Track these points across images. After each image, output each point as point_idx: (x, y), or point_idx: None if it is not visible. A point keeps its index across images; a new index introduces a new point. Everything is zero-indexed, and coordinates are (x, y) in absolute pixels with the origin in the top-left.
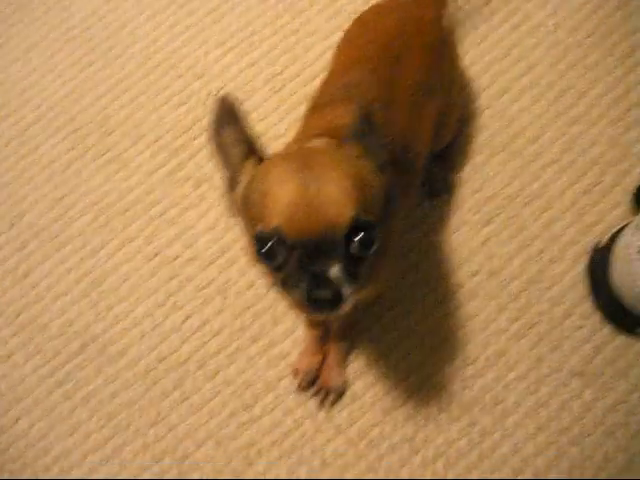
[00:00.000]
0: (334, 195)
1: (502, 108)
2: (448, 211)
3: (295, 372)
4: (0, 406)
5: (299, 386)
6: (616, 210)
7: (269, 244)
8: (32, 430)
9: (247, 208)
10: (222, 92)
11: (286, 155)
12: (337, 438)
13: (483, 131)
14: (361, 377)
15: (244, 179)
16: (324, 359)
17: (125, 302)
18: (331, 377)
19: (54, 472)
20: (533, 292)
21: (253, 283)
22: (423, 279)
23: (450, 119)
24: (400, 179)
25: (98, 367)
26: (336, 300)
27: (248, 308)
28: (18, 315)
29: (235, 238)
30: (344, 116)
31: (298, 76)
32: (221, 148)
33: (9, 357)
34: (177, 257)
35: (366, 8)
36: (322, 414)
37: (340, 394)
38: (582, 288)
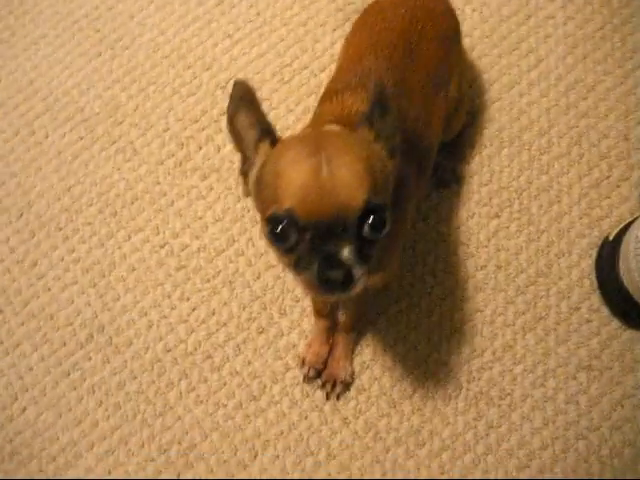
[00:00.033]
0: (347, 178)
1: (511, 101)
2: (456, 203)
3: (302, 363)
4: (7, 395)
5: (305, 377)
6: (625, 204)
7: (281, 225)
8: (39, 420)
9: (260, 190)
10: (233, 81)
11: (299, 138)
12: (343, 430)
13: (492, 124)
14: (367, 369)
15: (258, 161)
16: (331, 351)
17: (132, 293)
18: (338, 369)
19: (60, 461)
20: (541, 286)
21: (260, 275)
22: (430, 272)
23: (460, 110)
24: (413, 167)
25: (105, 357)
26: (347, 281)
27: (255, 300)
28: (26, 305)
29: (243, 229)
30: (358, 103)
31: (307, 67)
32: (237, 131)
33: (16, 347)
34: (185, 248)
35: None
36: (328, 406)
37: (346, 386)
38: (590, 282)
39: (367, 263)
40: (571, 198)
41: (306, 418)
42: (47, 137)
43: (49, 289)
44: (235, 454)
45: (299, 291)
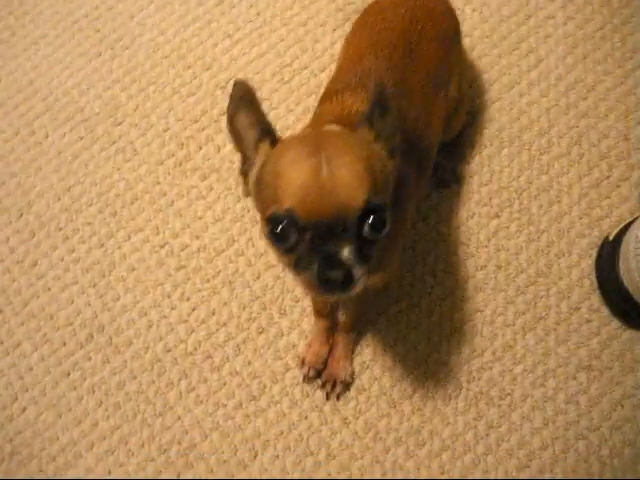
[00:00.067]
0: (347, 178)
1: (511, 101)
2: (456, 203)
3: (302, 363)
4: (7, 395)
5: (305, 377)
6: (625, 204)
7: (281, 225)
8: (39, 420)
9: (260, 190)
10: (233, 81)
11: (299, 138)
12: (343, 430)
13: (492, 124)
14: (367, 370)
15: (258, 161)
16: (331, 351)
17: (132, 293)
18: (338, 369)
19: (60, 461)
20: (541, 286)
21: (260, 275)
22: (430, 272)
23: (460, 110)
24: (413, 167)
25: (105, 357)
26: (347, 281)
27: (255, 300)
28: (26, 305)
29: (243, 230)
30: (357, 103)
31: (307, 67)
32: (237, 131)
33: (16, 346)
34: (184, 248)
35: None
36: (328, 406)
37: (346, 386)
38: (590, 282)
39: (367, 263)
40: (571, 198)
41: (306, 418)
42: (47, 137)
43: (49, 289)
44: (235, 454)
45: (299, 291)
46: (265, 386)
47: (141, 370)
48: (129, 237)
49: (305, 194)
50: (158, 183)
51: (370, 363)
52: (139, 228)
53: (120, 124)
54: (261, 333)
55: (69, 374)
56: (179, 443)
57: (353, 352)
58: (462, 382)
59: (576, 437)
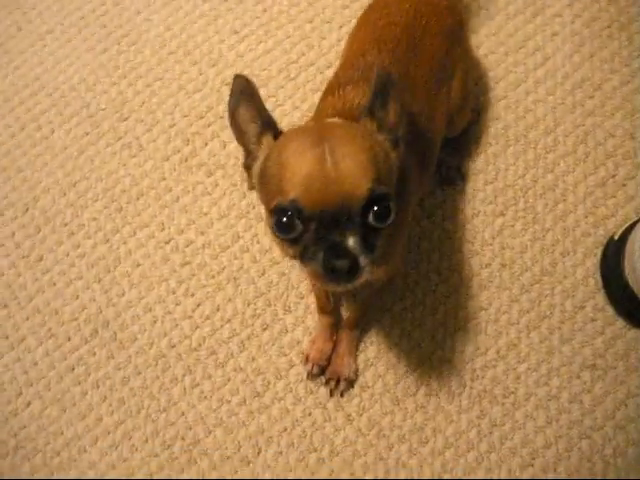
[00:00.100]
0: (350, 167)
1: (517, 99)
2: (461, 201)
3: (305, 360)
4: (12, 390)
5: (309, 374)
6: (630, 203)
7: (287, 216)
8: (43, 414)
9: (265, 182)
10: (234, 76)
11: (302, 129)
12: (346, 427)
13: (498, 122)
14: (371, 367)
15: (262, 154)
16: (335, 348)
17: (137, 288)
18: (342, 366)
19: (64, 456)
20: (545, 284)
21: (265, 271)
22: (435, 269)
23: (464, 107)
24: (415, 160)
25: (109, 353)
26: (353, 270)
27: (260, 296)
28: (31, 300)
29: (248, 226)
30: (359, 97)
31: (313, 64)
32: (238, 125)
33: (21, 341)
34: (190, 244)
35: None
36: (332, 403)
37: (350, 383)
38: (594, 281)
39: (372, 252)
40: (576, 197)
41: (310, 415)
42: (53, 132)
43: (54, 284)
44: (239, 450)
45: (304, 288)
46: (269, 382)
47: (145, 365)
48: (134, 233)
49: (309, 184)
50: (164, 179)
51: (374, 360)
52: (144, 224)
53: (126, 120)
54: (265, 329)
55: (74, 369)
56: (183, 439)
57: (357, 349)
58: (466, 380)
59: (580, 436)
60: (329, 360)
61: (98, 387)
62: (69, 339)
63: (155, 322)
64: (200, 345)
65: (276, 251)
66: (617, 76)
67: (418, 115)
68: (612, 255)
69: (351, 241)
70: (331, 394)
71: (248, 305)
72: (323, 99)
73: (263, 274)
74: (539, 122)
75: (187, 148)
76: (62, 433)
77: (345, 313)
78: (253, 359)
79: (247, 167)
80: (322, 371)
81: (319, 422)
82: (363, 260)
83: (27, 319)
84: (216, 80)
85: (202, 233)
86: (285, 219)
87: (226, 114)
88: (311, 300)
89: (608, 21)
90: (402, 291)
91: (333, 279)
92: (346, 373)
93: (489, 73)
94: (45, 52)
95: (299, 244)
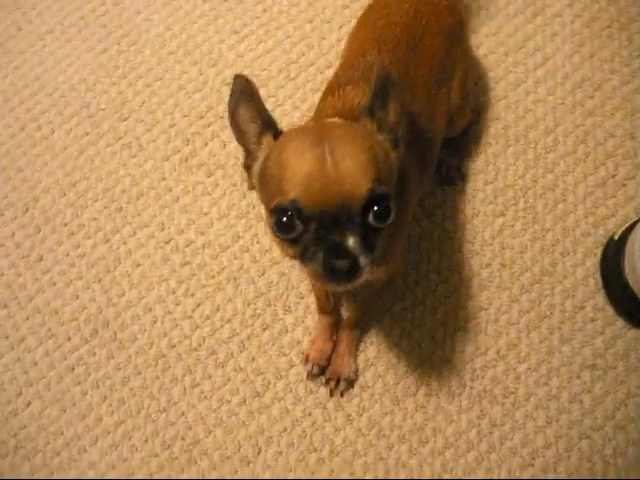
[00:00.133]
0: (350, 167)
1: (517, 99)
2: (461, 201)
3: (305, 360)
4: (12, 390)
5: (309, 374)
6: (630, 203)
7: (287, 216)
8: (43, 414)
9: (265, 182)
10: (233, 76)
11: (302, 129)
12: (347, 427)
13: (498, 122)
14: (371, 367)
15: (262, 154)
16: (335, 348)
17: (137, 288)
18: (342, 366)
19: (64, 456)
20: (545, 284)
21: (265, 271)
22: (435, 269)
23: (464, 107)
24: (415, 160)
25: (109, 353)
26: (353, 270)
27: (260, 296)
28: (31, 300)
29: (248, 226)
30: (359, 97)
31: (313, 64)
32: (238, 125)
33: (21, 341)
34: (190, 244)
35: None
36: (332, 403)
37: (350, 383)
38: (594, 281)
39: (372, 252)
40: (576, 197)
41: (310, 415)
42: (53, 132)
43: (54, 284)
44: (239, 450)
45: (304, 288)
46: (269, 382)
47: (145, 365)
48: (134, 233)
49: (309, 184)
50: (164, 179)
51: (374, 360)
52: (144, 224)
53: (126, 120)
54: (265, 329)
55: (74, 369)
56: (183, 439)
57: (357, 349)
58: (466, 380)
59: (580, 436)
60: (329, 360)
61: (98, 387)
62: (69, 339)
63: (155, 322)
64: (200, 345)
65: (276, 251)
66: (617, 76)
67: (418, 115)
68: (612, 255)
69: (351, 241)
70: (331, 394)
71: (248, 305)
72: (323, 99)
73: (263, 274)
74: (539, 122)
75: (187, 148)
76: (62, 433)
77: (345, 313)
78: (253, 359)
79: (247, 167)
80: (322, 371)
81: (319, 422)
82: (363, 260)
83: (27, 319)
84: (216, 80)
85: (202, 233)
86: (285, 219)
87: (226, 114)
88: (311, 300)
89: (608, 21)
90: (402, 291)
91: (333, 279)
92: (346, 373)
93: (489, 73)
94: (45, 52)
95: (299, 244)
